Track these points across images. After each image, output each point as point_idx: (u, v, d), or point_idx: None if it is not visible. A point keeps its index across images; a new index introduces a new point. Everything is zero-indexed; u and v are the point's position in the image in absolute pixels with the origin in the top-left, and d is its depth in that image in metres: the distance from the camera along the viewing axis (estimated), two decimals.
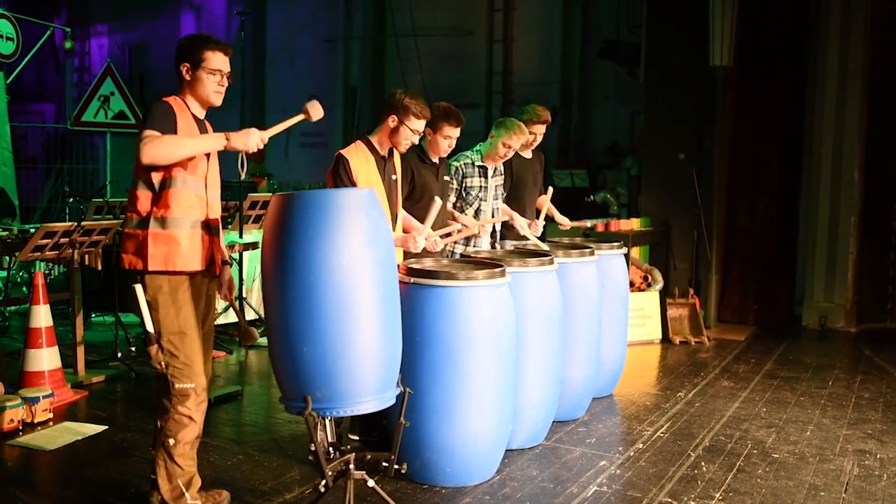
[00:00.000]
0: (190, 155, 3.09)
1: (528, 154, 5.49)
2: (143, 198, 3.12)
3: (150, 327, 3.13)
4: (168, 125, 3.06)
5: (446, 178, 4.66)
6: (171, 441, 3.15)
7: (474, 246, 4.94)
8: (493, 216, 5.06)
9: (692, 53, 7.81)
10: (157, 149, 2.96)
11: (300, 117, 3.25)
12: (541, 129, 5.36)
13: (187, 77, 3.19)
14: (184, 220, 3.14)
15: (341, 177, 3.78)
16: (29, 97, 15.13)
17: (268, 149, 13.30)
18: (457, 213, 4.80)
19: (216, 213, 3.31)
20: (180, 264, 3.13)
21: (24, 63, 10.39)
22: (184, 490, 3.20)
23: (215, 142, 3.09)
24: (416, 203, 4.36)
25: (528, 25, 12.52)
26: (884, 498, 3.77)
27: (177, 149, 3.02)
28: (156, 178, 3.09)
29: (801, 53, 8.04)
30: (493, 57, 12.67)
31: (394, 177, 4.04)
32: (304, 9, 13.94)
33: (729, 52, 7.55)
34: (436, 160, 4.49)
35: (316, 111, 3.25)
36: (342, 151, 3.86)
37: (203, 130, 3.24)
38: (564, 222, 5.69)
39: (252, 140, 3.09)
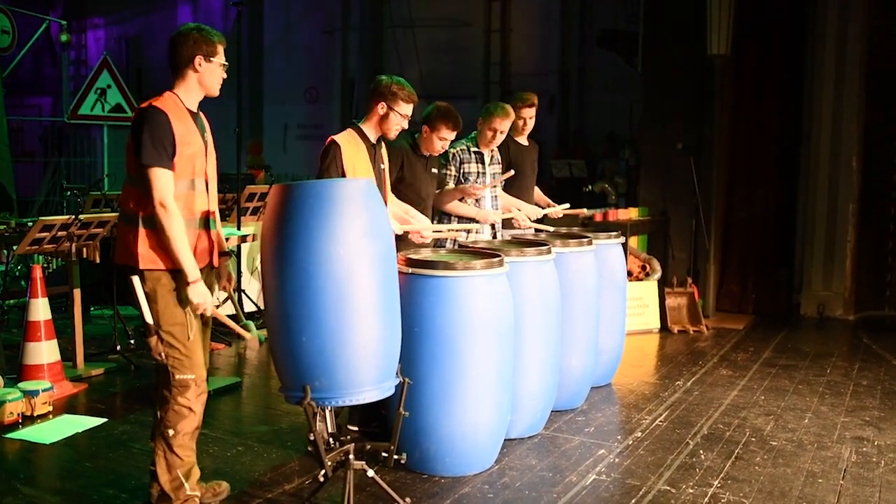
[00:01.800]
0: (171, 250, 3.06)
1: (524, 141, 5.53)
2: (133, 196, 3.10)
3: (148, 318, 3.12)
4: (169, 148, 3.04)
5: (434, 170, 4.67)
6: (171, 432, 3.16)
7: (476, 232, 4.96)
8: (493, 206, 5.08)
9: (690, 42, 7.80)
10: (166, 221, 3.01)
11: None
12: (530, 113, 5.41)
13: (199, 69, 3.18)
14: None
15: (329, 166, 3.77)
16: (26, 90, 15.09)
17: (265, 141, 13.32)
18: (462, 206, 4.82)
19: (214, 206, 3.31)
20: (168, 263, 3.10)
21: (20, 56, 10.37)
22: (183, 481, 3.20)
23: (191, 273, 3.07)
24: (403, 196, 4.36)
25: (525, 15, 12.52)
26: (881, 484, 3.78)
27: (170, 241, 3.03)
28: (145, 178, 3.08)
29: (800, 42, 8.02)
30: (491, 47, 12.67)
31: (382, 166, 4.04)
32: (301, 0, 13.91)
33: (727, 40, 7.54)
34: (426, 154, 4.50)
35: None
36: (335, 137, 3.86)
37: (199, 123, 3.23)
38: (556, 211, 5.66)
39: (207, 304, 3.11)
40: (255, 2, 13.76)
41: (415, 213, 4.28)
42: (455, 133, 4.43)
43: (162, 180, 3.02)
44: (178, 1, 15.07)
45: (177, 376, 3.14)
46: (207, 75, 3.19)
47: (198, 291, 3.09)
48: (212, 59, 3.17)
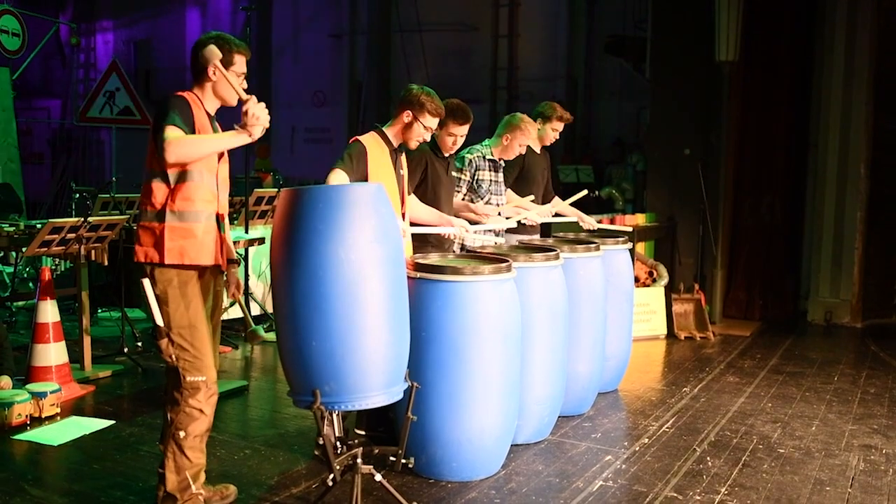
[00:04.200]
0: (214, 152, 3.12)
1: (538, 150, 5.55)
2: (159, 190, 3.13)
3: (159, 321, 3.14)
4: (187, 120, 3.07)
5: (454, 173, 4.68)
6: (182, 434, 3.17)
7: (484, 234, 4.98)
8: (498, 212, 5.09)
9: (698, 48, 7.80)
10: (182, 149, 2.97)
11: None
12: (560, 127, 5.50)
13: (213, 77, 3.20)
14: (200, 213, 3.16)
15: (353, 159, 3.75)
16: (35, 93, 15.16)
17: (273, 144, 13.35)
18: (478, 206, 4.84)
19: (224, 210, 3.33)
20: (194, 258, 3.15)
21: (29, 59, 10.43)
22: (191, 482, 3.21)
23: (237, 138, 3.06)
24: (425, 198, 4.37)
25: (533, 20, 12.51)
26: (889, 493, 3.77)
27: (201, 147, 3.04)
28: (171, 171, 3.10)
29: (808, 48, 8.01)
30: (499, 52, 12.67)
31: (401, 171, 4.04)
32: (309, 4, 13.95)
33: (735, 46, 7.53)
34: (446, 155, 4.51)
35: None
36: (360, 137, 3.86)
37: (214, 128, 3.26)
38: (587, 221, 5.73)
39: (263, 118, 3.02)
40: (263, 5, 13.80)
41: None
42: (466, 127, 4.38)
43: (176, 132, 2.99)
44: (186, 5, 15.12)
45: (187, 378, 3.15)
46: (222, 84, 3.20)
47: (254, 129, 2.99)
48: (227, 69, 3.18)
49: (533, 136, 5.11)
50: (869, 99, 7.75)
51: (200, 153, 3.05)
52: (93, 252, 5.62)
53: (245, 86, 3.25)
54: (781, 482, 3.86)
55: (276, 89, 14.25)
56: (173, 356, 3.15)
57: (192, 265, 3.16)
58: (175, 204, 3.11)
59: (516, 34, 12.57)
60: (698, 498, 3.65)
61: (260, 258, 7.16)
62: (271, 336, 5.89)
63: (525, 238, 5.28)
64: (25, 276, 7.62)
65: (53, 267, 7.25)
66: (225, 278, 3.43)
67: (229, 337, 6.49)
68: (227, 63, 3.18)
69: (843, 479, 3.92)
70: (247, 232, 6.70)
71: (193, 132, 3.09)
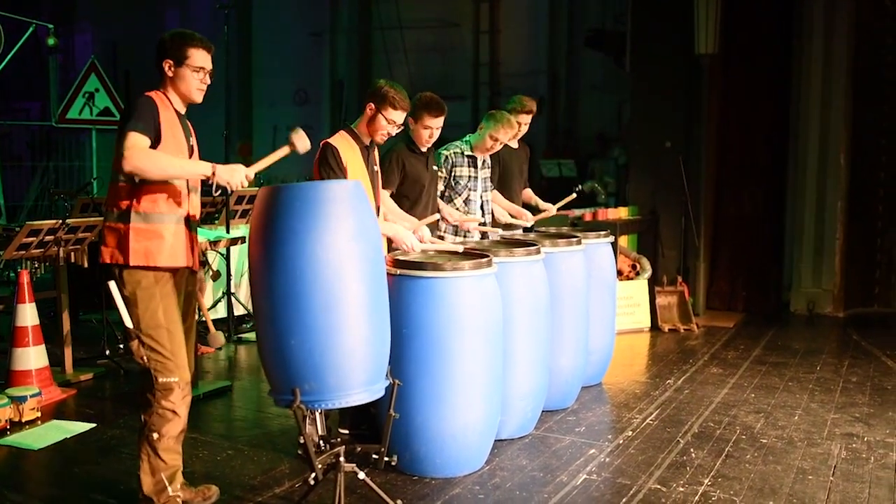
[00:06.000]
0: (172, 177, 3.07)
1: (513, 144, 5.53)
2: (124, 191, 3.10)
3: (128, 323, 3.11)
4: (151, 122, 3.04)
5: (434, 167, 4.66)
6: (156, 435, 3.15)
7: (464, 236, 4.95)
8: (482, 209, 5.07)
9: (678, 41, 7.82)
10: (142, 162, 2.95)
11: (286, 149, 3.18)
12: (526, 120, 5.41)
13: (170, 73, 3.17)
14: (167, 215, 3.12)
15: (330, 165, 3.73)
16: (13, 95, 15.00)
17: (255, 143, 13.29)
18: (445, 208, 4.80)
19: (196, 210, 3.30)
20: (162, 260, 3.12)
21: (6, 60, 10.32)
22: (166, 484, 3.19)
23: (201, 170, 3.06)
24: (407, 195, 4.35)
25: (514, 16, 12.54)
26: (871, 480, 3.79)
27: (161, 169, 3.00)
28: None
29: (787, 39, 8.05)
30: (480, 48, 12.69)
31: (375, 168, 4.02)
32: (289, 2, 13.90)
33: (714, 39, 7.55)
34: (424, 150, 4.48)
35: (302, 142, 3.19)
36: (329, 140, 3.84)
37: (184, 126, 3.24)
38: (549, 208, 5.68)
39: (237, 177, 3.06)
40: (243, 4, 13.74)
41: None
42: (441, 119, 4.35)
43: (139, 140, 2.96)
44: (165, 5, 15.02)
45: (160, 380, 3.13)
46: (178, 81, 3.18)
47: (223, 173, 3.04)
48: (182, 64, 3.15)
49: (507, 130, 5.03)
50: (848, 90, 7.80)
51: (158, 173, 3.01)
52: (73, 254, 5.57)
53: (208, 81, 3.21)
54: (764, 472, 3.88)
55: (257, 89, 14.19)
56: (145, 358, 3.13)
57: (158, 267, 3.12)
58: (140, 205, 3.08)
59: (497, 30, 12.60)
60: (682, 489, 3.66)
61: (243, 257, 7.11)
62: (252, 336, 5.85)
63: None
64: (4, 279, 7.55)
65: (33, 270, 7.18)
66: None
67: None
68: (180, 58, 3.14)
69: (825, 468, 3.94)
70: (228, 231, 6.64)
71: (158, 135, 3.06)
